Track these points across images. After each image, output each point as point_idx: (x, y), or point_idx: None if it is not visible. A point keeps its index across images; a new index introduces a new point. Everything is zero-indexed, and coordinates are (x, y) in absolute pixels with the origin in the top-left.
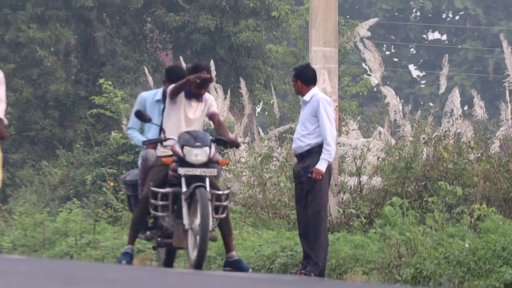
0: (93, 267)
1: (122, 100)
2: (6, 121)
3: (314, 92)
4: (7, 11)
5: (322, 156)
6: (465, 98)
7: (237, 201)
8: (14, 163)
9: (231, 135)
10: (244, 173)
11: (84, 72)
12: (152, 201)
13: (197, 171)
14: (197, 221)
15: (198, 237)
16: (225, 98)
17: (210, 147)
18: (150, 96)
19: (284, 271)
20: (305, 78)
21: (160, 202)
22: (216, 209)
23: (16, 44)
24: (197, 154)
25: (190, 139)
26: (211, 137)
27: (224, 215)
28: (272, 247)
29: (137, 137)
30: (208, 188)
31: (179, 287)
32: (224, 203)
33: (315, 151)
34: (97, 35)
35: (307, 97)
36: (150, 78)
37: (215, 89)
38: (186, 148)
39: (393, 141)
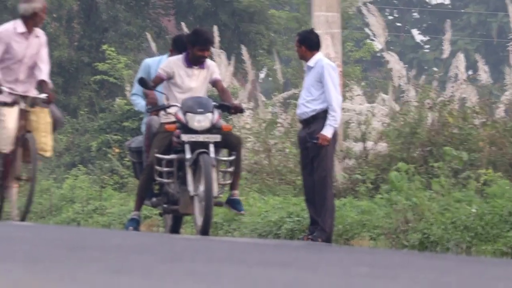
0: (99, 234)
1: (125, 66)
2: (51, 85)
3: (319, 57)
4: None
5: (328, 122)
6: (469, 62)
7: (243, 167)
8: None
9: (235, 101)
10: (249, 139)
11: (87, 38)
12: (157, 167)
13: (200, 137)
14: (202, 187)
15: (203, 203)
16: (229, 64)
17: (213, 113)
18: (154, 62)
19: (291, 237)
20: (309, 43)
21: (165, 169)
22: (222, 175)
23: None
24: (200, 120)
25: (193, 105)
26: (214, 103)
27: (228, 182)
28: (279, 213)
29: (140, 103)
30: (212, 154)
31: (186, 253)
32: (230, 169)
33: (320, 116)
34: (99, 0)
35: (311, 62)
36: (153, 44)
37: (218, 55)
38: (189, 115)
39: (397, 107)
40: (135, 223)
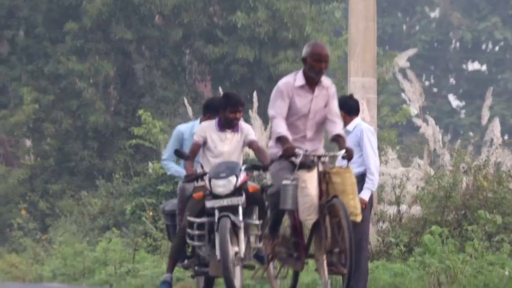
0: None
1: (161, 130)
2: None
3: (357, 122)
4: (46, 44)
5: (366, 185)
6: (505, 127)
7: None
8: (54, 193)
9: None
10: None
11: (123, 104)
12: (189, 230)
13: (224, 202)
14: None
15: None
16: (265, 128)
17: (237, 176)
18: (187, 128)
19: None
20: (348, 108)
21: (196, 232)
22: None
23: (56, 76)
24: (222, 185)
25: (217, 171)
26: (245, 165)
27: (260, 245)
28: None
29: (174, 168)
30: (240, 217)
31: None
32: (259, 232)
33: (358, 180)
34: (136, 67)
35: (350, 127)
36: (189, 109)
37: (255, 119)
38: (213, 181)
39: (432, 171)
40: (167, 286)
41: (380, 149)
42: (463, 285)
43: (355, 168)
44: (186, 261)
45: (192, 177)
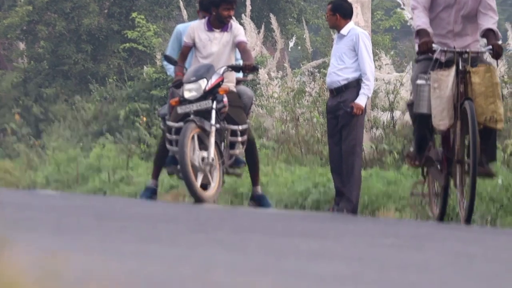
0: (126, 203)
1: (155, 34)
2: (499, 35)
3: (352, 26)
4: None
5: (362, 91)
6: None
7: (270, 136)
8: (47, 97)
9: (263, 69)
10: (276, 109)
11: (117, 6)
12: (168, 135)
13: (193, 107)
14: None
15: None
16: (259, 32)
17: (208, 78)
18: (186, 28)
19: (317, 208)
20: (343, 11)
21: (174, 137)
22: (231, 145)
23: None
24: (191, 90)
25: (189, 75)
26: (224, 67)
27: (237, 151)
28: (305, 183)
29: (171, 69)
30: (213, 121)
31: (212, 223)
32: (240, 138)
33: (353, 85)
34: None
35: (344, 31)
36: (184, 12)
37: (248, 23)
38: (184, 85)
39: None
40: (149, 193)
41: (374, 54)
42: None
43: (350, 73)
44: (171, 167)
45: (178, 82)
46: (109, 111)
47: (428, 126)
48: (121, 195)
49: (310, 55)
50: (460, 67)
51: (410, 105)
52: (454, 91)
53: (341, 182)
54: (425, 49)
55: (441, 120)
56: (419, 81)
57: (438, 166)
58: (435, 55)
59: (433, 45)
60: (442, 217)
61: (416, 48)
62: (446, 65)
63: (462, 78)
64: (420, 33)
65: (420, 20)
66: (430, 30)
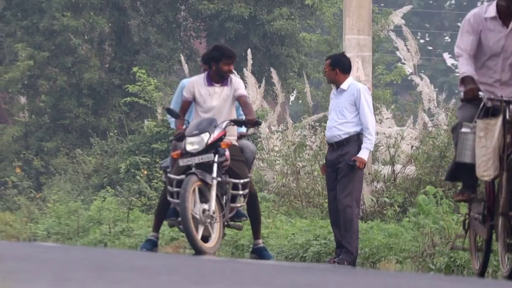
0: (126, 255)
1: (155, 88)
2: None
3: (351, 81)
4: None
5: (364, 145)
6: None
7: (271, 189)
8: (48, 151)
9: (262, 120)
10: (277, 162)
11: (118, 60)
12: (169, 187)
13: (195, 159)
14: (196, 206)
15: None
16: (259, 86)
17: (210, 132)
18: None
19: (318, 260)
20: (343, 66)
21: (175, 189)
22: (232, 198)
23: (50, 32)
24: (193, 143)
25: (192, 128)
26: (226, 121)
27: (240, 204)
28: (306, 235)
29: (174, 122)
30: (214, 174)
31: (213, 275)
32: (241, 192)
33: (353, 139)
34: (131, 23)
35: (344, 85)
36: (185, 66)
37: (249, 77)
38: (186, 139)
39: (429, 124)
40: (150, 245)
41: (374, 108)
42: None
43: (351, 127)
44: (171, 219)
45: (181, 135)
46: (110, 165)
47: (471, 175)
48: (121, 247)
49: (311, 109)
50: (508, 116)
51: (454, 128)
52: (500, 141)
53: (340, 235)
54: (471, 97)
55: (485, 170)
56: (464, 129)
57: (480, 219)
58: (483, 103)
59: (480, 92)
60: (483, 272)
61: (462, 95)
62: (493, 114)
63: (510, 128)
64: (466, 80)
65: (465, 67)
66: (475, 77)
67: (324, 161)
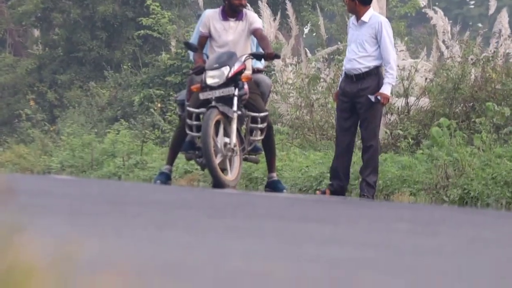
0: (141, 188)
1: (169, 21)
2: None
3: (372, 13)
4: None
5: (386, 80)
6: None
7: (284, 122)
8: (62, 84)
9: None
10: (291, 95)
11: None
12: (188, 121)
13: (216, 93)
14: (218, 140)
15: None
16: (274, 19)
17: (230, 66)
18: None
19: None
20: None
21: (195, 122)
22: (251, 131)
23: None
24: (214, 76)
25: (212, 62)
26: (245, 55)
27: (258, 138)
28: (319, 168)
29: (192, 56)
30: (235, 107)
31: (227, 209)
32: (260, 125)
33: (374, 73)
34: None
35: (365, 17)
36: None
37: (264, 10)
38: (206, 72)
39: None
40: (164, 177)
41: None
42: (471, 178)
43: (371, 61)
44: (189, 152)
45: (199, 69)
46: (124, 98)
47: None
48: (135, 180)
49: (325, 42)
50: None
51: None
52: None
53: (347, 167)
54: None
55: None
56: None
57: None
58: None
59: None
60: None
61: None
62: None
63: None
64: None
65: None
66: None
67: (338, 89)
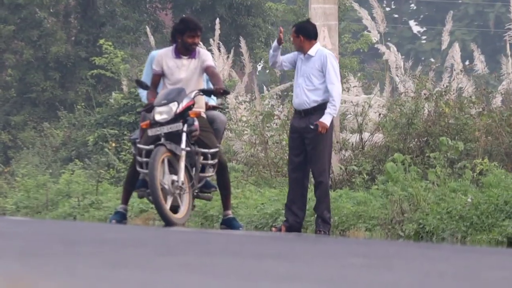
0: (95, 228)
1: (122, 60)
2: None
3: (319, 47)
4: None
5: (327, 110)
6: (466, 53)
7: (239, 159)
8: (16, 125)
9: (233, 90)
10: (245, 132)
11: (84, 33)
12: (138, 158)
13: (164, 129)
14: (165, 177)
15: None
16: (228, 57)
17: (179, 102)
18: None
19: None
20: (307, 32)
21: (144, 159)
22: (202, 167)
23: (16, 5)
24: (162, 112)
25: (160, 98)
26: (195, 91)
27: (209, 174)
28: (275, 205)
29: (144, 96)
30: (183, 144)
31: (181, 246)
32: (211, 162)
33: (322, 108)
34: None
35: (312, 51)
36: (151, 38)
37: (218, 48)
38: (155, 108)
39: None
40: (119, 216)
41: (342, 76)
42: (426, 213)
43: (319, 95)
44: (140, 190)
45: (149, 106)
46: (78, 138)
47: None
48: (91, 220)
49: (278, 79)
50: None
51: None
52: None
53: (298, 204)
54: None
55: None
56: None
57: None
58: None
59: None
60: None
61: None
62: None
63: None
64: None
65: None
66: None
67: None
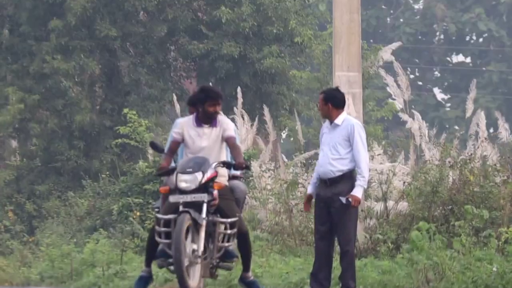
0: None
1: (147, 129)
2: None
3: (345, 116)
4: (31, 43)
5: (358, 183)
6: (490, 120)
7: (264, 228)
8: (40, 194)
9: (251, 161)
10: (270, 200)
11: (108, 102)
12: (156, 227)
13: (187, 198)
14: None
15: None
16: (252, 125)
17: (204, 172)
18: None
19: None
20: (336, 101)
21: (162, 229)
22: (222, 238)
23: (41, 75)
24: (186, 181)
25: (184, 165)
26: (216, 163)
27: (226, 244)
28: (300, 274)
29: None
30: (204, 214)
31: None
32: (229, 232)
33: (347, 176)
34: (121, 64)
35: (338, 120)
36: (176, 106)
37: (242, 116)
38: (179, 176)
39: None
40: (143, 282)
41: (367, 144)
42: (451, 282)
43: (344, 164)
44: (161, 259)
45: (163, 171)
46: (103, 207)
47: None
48: None
49: (303, 147)
50: None
51: None
52: None
53: (323, 268)
54: None
55: None
56: None
57: None
58: None
59: None
60: None
61: None
62: None
63: None
64: None
65: None
66: None
67: (307, 196)
